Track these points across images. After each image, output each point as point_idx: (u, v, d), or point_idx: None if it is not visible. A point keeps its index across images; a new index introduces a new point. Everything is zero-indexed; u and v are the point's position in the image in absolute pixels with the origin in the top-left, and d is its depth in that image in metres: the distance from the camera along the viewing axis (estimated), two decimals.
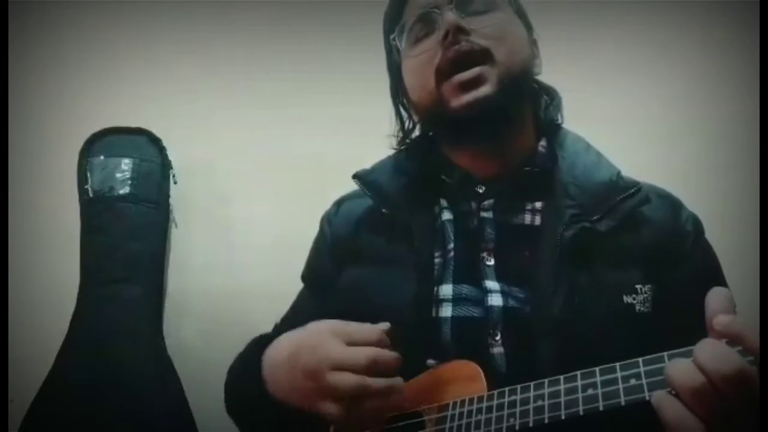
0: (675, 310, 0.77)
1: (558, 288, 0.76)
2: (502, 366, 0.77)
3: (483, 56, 0.81)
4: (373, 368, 0.69)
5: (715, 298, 0.56)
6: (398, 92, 0.97)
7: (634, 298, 0.77)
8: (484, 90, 0.80)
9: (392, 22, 0.91)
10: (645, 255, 0.81)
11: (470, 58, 0.81)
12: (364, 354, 0.70)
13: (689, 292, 0.77)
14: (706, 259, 0.87)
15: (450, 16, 0.81)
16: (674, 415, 0.52)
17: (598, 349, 0.71)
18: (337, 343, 0.71)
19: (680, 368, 0.53)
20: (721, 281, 0.86)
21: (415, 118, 0.97)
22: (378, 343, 0.72)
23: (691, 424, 0.51)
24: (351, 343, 0.71)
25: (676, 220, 0.86)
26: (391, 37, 0.90)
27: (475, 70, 0.80)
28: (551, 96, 0.94)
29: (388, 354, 0.71)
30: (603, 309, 0.76)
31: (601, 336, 0.74)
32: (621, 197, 0.81)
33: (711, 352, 0.52)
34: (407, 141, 0.99)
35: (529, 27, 0.91)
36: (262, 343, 0.85)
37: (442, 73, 0.82)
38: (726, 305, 0.55)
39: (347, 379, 0.68)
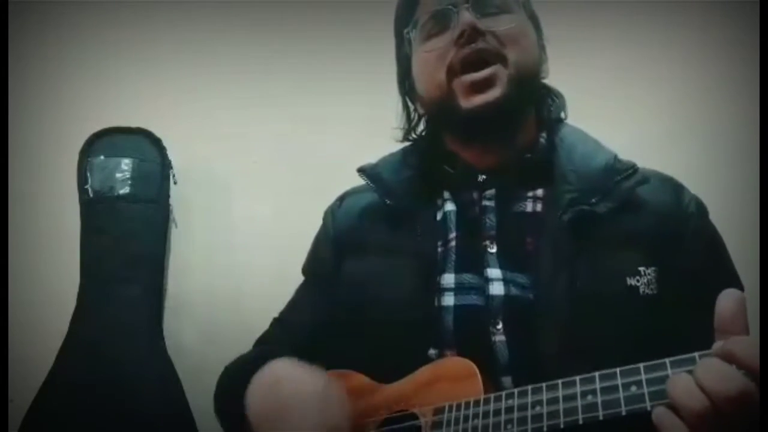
0: (681, 292, 0.77)
1: (559, 273, 0.77)
2: (504, 354, 0.77)
3: (495, 57, 0.82)
4: None
5: (725, 301, 0.56)
6: (405, 83, 0.97)
7: (637, 280, 0.77)
8: (495, 93, 0.81)
9: (406, 15, 0.92)
10: (647, 237, 0.80)
11: (483, 57, 0.82)
12: None
13: (695, 273, 0.77)
14: (712, 240, 0.86)
15: (467, 16, 0.82)
16: None
17: (603, 334, 0.71)
18: None
19: (683, 387, 0.53)
20: (728, 262, 0.86)
21: (421, 110, 0.97)
22: None
23: None
24: None
25: (678, 201, 0.86)
26: (405, 31, 0.91)
27: (486, 71, 0.81)
28: (556, 98, 0.95)
29: None
30: (605, 292, 0.76)
31: (605, 320, 0.74)
32: (618, 179, 0.82)
33: (714, 373, 0.52)
34: (412, 134, 0.99)
35: (539, 31, 0.92)
36: (255, 358, 0.84)
37: (454, 71, 0.83)
38: (735, 309, 0.55)
39: None
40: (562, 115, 0.94)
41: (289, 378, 0.75)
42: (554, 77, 0.95)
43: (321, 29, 2.00)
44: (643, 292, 0.77)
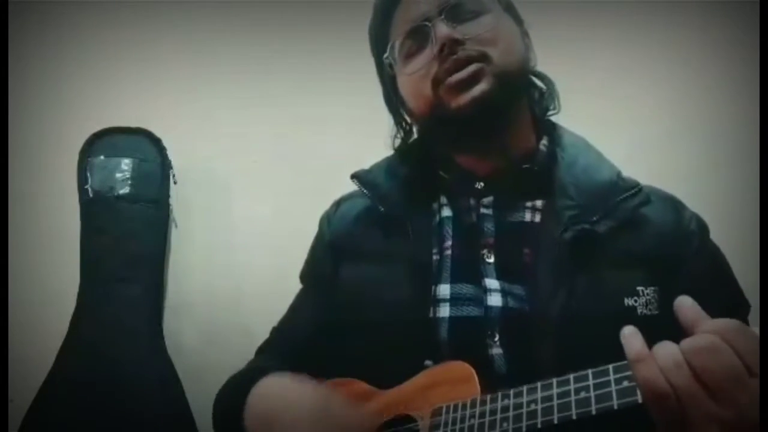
0: None
1: (557, 290, 0.76)
2: (501, 367, 0.76)
3: (479, 58, 0.80)
4: None
5: (682, 304, 0.57)
6: (392, 99, 0.96)
7: (635, 301, 0.76)
8: (481, 87, 0.79)
9: (380, 38, 0.90)
10: (647, 256, 0.80)
11: (466, 62, 0.80)
12: None
13: (697, 294, 0.77)
14: (714, 258, 0.86)
15: (443, 29, 0.80)
16: (649, 377, 0.54)
17: (598, 352, 0.71)
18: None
19: (664, 347, 0.55)
20: (731, 281, 0.86)
21: (413, 123, 0.96)
22: None
23: (664, 390, 0.53)
24: None
25: (679, 220, 0.85)
26: (384, 56, 0.89)
27: (470, 68, 0.79)
28: (546, 83, 0.92)
29: None
30: (602, 311, 0.75)
31: (600, 339, 0.73)
32: (621, 198, 0.81)
33: (692, 338, 0.54)
34: (407, 142, 0.98)
35: (519, 21, 0.90)
36: (253, 373, 0.84)
37: (439, 81, 0.81)
38: (694, 307, 0.57)
39: None
40: (555, 105, 0.91)
41: (287, 396, 0.75)
42: (555, 77, 0.94)
43: (321, 29, 2.00)
44: (641, 312, 0.76)
